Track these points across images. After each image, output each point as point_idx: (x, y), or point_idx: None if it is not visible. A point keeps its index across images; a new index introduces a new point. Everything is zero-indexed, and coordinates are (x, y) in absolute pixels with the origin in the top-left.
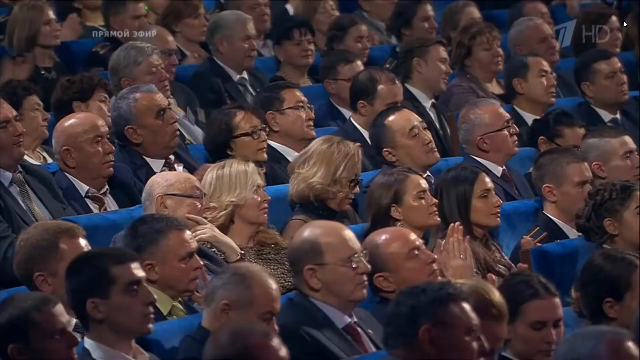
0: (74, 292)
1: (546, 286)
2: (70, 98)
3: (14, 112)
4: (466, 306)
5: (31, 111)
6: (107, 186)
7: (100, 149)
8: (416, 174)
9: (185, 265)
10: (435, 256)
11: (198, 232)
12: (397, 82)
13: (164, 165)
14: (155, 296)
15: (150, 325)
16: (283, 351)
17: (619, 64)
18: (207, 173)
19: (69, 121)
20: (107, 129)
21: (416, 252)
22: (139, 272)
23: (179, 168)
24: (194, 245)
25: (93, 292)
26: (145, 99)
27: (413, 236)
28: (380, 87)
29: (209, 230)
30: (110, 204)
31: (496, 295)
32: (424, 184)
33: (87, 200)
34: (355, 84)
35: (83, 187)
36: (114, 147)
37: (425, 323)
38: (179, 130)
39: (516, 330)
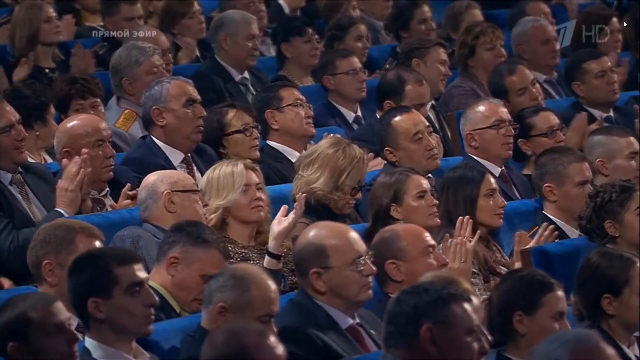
0: (76, 290)
1: (554, 280)
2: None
3: (17, 116)
4: (468, 306)
5: (53, 120)
6: (107, 188)
7: (100, 152)
8: (418, 174)
9: (202, 284)
10: (448, 260)
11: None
12: (424, 83)
13: (182, 161)
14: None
15: (151, 327)
16: (280, 349)
17: (609, 63)
18: (204, 176)
19: (72, 122)
20: (109, 132)
21: (431, 250)
22: (142, 274)
23: (198, 174)
24: None
25: (95, 291)
26: (179, 86)
27: (430, 237)
28: (408, 87)
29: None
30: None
31: (464, 284)
32: (425, 184)
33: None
34: (384, 82)
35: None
36: (114, 152)
37: (427, 322)
38: (203, 127)
39: (536, 321)
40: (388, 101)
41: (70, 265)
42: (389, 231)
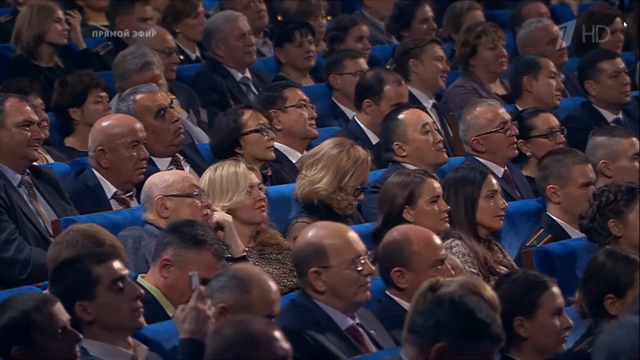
0: (61, 298)
1: (546, 277)
2: (66, 104)
3: (37, 118)
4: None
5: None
6: (134, 190)
7: (135, 154)
8: (432, 178)
9: None
10: (453, 272)
11: (219, 213)
12: (403, 83)
13: (170, 164)
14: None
15: (142, 319)
16: (286, 343)
17: (623, 65)
18: (202, 175)
19: (109, 121)
20: (145, 134)
21: (440, 265)
22: (122, 269)
23: (186, 168)
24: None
25: (80, 295)
26: (145, 100)
27: (441, 245)
28: (387, 87)
29: (229, 219)
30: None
31: (488, 291)
32: (438, 189)
33: (112, 202)
34: (362, 82)
35: (110, 188)
36: (149, 154)
37: (443, 340)
38: (182, 128)
39: (537, 322)
40: (367, 100)
41: (51, 275)
42: (402, 234)
